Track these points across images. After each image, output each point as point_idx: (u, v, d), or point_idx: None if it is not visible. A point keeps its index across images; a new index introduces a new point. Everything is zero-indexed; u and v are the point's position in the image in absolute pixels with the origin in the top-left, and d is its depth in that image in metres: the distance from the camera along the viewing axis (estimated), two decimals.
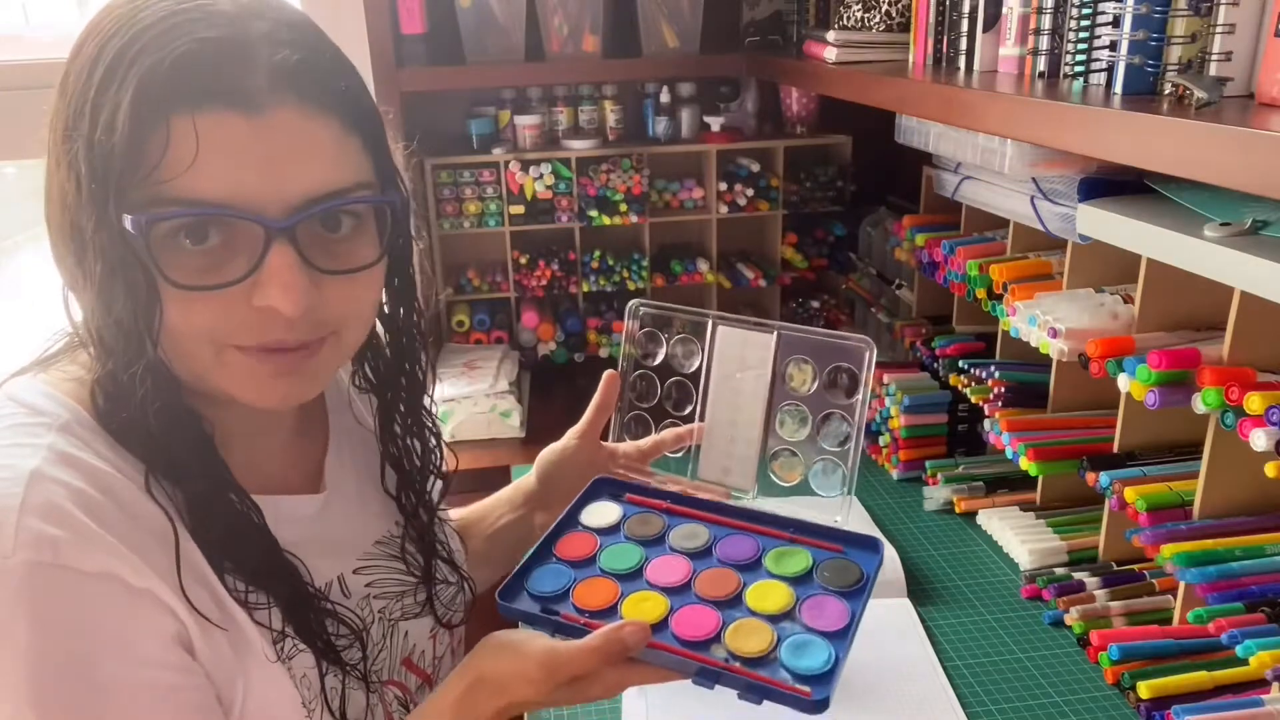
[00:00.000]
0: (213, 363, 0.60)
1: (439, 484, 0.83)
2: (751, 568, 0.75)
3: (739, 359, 0.83)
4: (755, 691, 0.64)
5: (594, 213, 1.60)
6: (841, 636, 0.69)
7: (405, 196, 0.67)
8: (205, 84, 0.54)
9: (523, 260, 1.63)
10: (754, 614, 0.71)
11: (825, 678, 0.65)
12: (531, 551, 0.77)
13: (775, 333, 0.82)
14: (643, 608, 0.70)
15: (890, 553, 1.07)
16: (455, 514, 0.93)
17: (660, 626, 0.69)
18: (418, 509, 0.78)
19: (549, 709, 0.69)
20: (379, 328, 0.74)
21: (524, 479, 0.93)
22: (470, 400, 1.46)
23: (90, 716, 0.55)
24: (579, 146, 1.59)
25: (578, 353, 1.67)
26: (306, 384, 0.64)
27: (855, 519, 1.17)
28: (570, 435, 0.89)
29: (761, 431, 0.82)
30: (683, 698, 0.89)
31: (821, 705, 0.63)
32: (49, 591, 0.54)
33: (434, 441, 0.81)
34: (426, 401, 0.79)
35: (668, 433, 0.87)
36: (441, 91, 1.60)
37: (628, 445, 0.89)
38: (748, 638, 0.68)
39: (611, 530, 0.79)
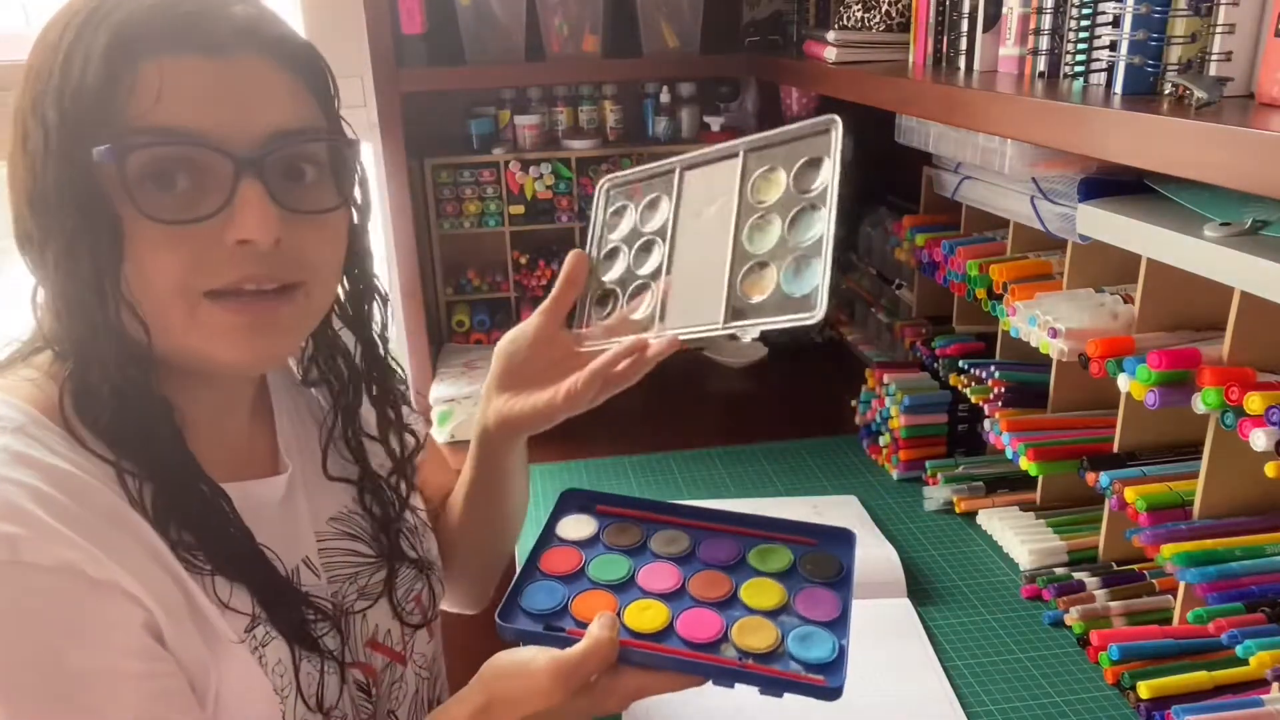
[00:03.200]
0: (187, 320, 0.60)
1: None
2: (738, 568, 0.76)
3: (706, 196, 0.77)
4: (776, 686, 0.66)
5: None
6: (840, 625, 0.71)
7: (357, 148, 0.68)
8: (172, 32, 0.57)
9: (523, 260, 1.63)
10: (753, 611, 0.72)
11: (835, 665, 0.67)
12: (519, 572, 0.76)
13: (740, 154, 0.76)
14: (645, 616, 0.71)
15: (890, 552, 1.07)
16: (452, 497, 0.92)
17: (666, 633, 0.70)
18: (382, 493, 0.78)
19: None
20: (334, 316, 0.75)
21: (488, 375, 0.84)
22: (470, 400, 1.46)
23: (62, 708, 0.55)
24: (579, 146, 1.59)
25: None
26: (280, 340, 0.65)
27: (855, 518, 1.18)
28: (534, 315, 0.81)
29: (729, 256, 0.73)
30: (683, 701, 0.89)
31: (838, 692, 0.65)
32: (9, 590, 0.54)
33: (407, 422, 0.81)
34: (395, 383, 0.80)
35: (633, 302, 0.78)
36: (441, 91, 1.60)
37: (594, 328, 0.80)
38: (754, 634, 0.69)
39: (591, 542, 0.79)
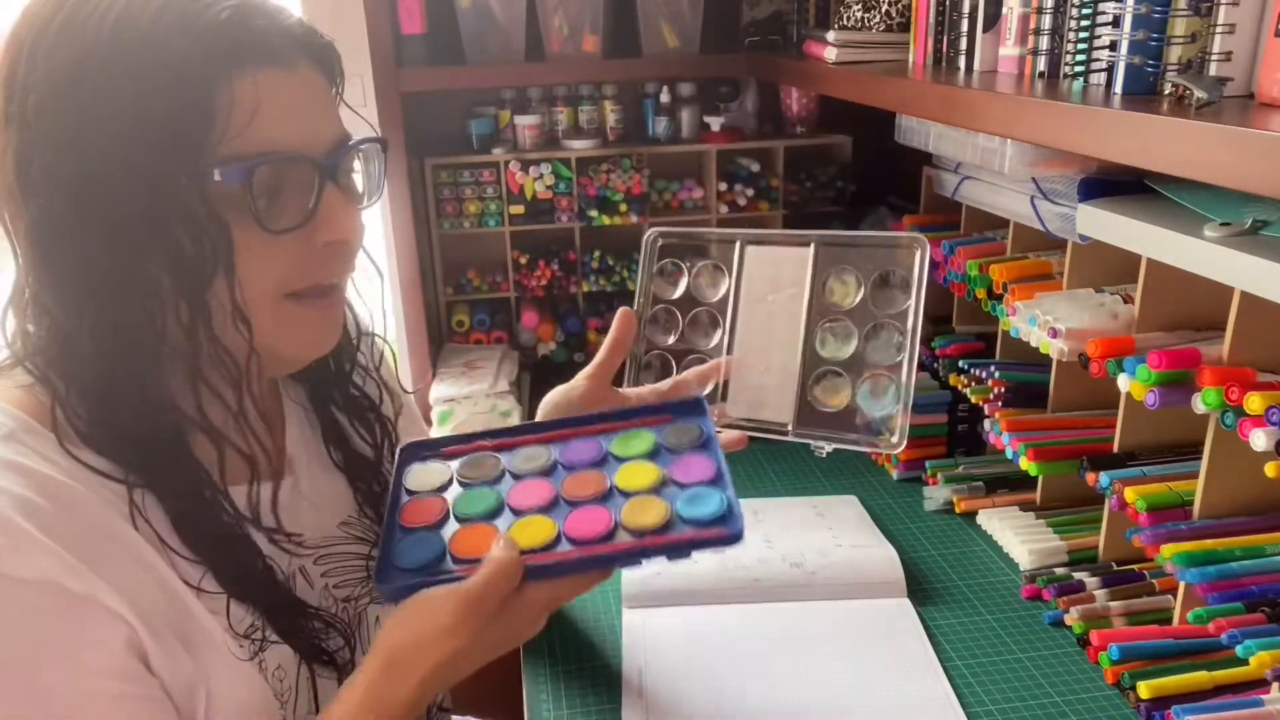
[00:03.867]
0: (270, 321, 0.62)
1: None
2: (604, 463, 0.75)
3: (771, 280, 0.76)
4: (681, 549, 0.67)
5: (594, 213, 1.60)
6: (720, 480, 0.70)
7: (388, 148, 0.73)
8: (252, 46, 0.59)
9: (523, 260, 1.63)
10: (634, 494, 0.71)
11: (728, 515, 0.67)
12: (381, 535, 0.71)
13: (812, 245, 0.75)
14: (529, 531, 0.68)
15: (890, 552, 1.07)
16: None
17: (557, 541, 0.67)
18: (371, 484, 0.78)
19: (479, 661, 0.64)
20: None
21: None
22: (470, 400, 1.46)
23: None
24: (579, 146, 1.59)
25: (578, 353, 1.67)
26: (339, 328, 0.69)
27: (855, 518, 1.18)
28: (580, 377, 0.83)
29: (800, 356, 0.74)
30: (683, 701, 0.89)
31: (738, 536, 0.66)
32: None
33: (375, 414, 0.81)
34: (357, 374, 0.80)
35: (690, 372, 0.80)
36: (441, 91, 1.59)
37: (643, 389, 0.82)
38: (643, 513, 0.69)
39: (447, 486, 0.75)
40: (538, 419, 0.84)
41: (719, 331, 0.76)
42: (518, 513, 0.71)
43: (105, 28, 0.56)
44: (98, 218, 0.57)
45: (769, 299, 0.74)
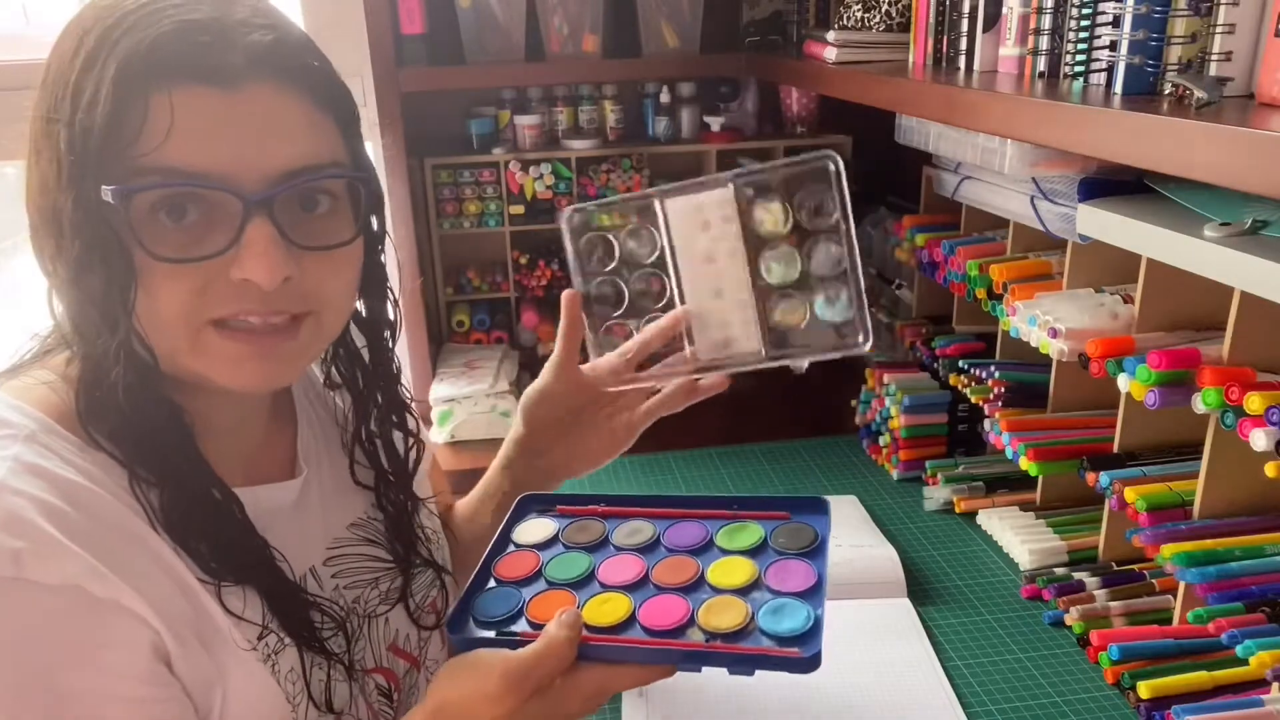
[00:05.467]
0: (188, 346, 0.59)
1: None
2: (704, 550, 0.73)
3: (701, 225, 0.77)
4: (745, 663, 0.63)
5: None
6: (815, 594, 0.67)
7: (375, 178, 0.67)
8: (183, 61, 0.55)
9: (523, 260, 1.63)
10: (721, 591, 0.69)
11: (810, 635, 0.64)
12: (471, 580, 0.72)
13: (729, 184, 0.76)
14: (604, 609, 0.67)
15: (890, 552, 1.07)
16: (460, 502, 0.92)
17: (628, 624, 0.66)
18: (397, 497, 0.78)
19: None
20: (352, 324, 0.74)
21: (512, 431, 0.88)
22: (470, 400, 1.46)
23: None
24: (579, 146, 1.59)
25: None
26: (285, 367, 0.64)
27: (855, 518, 1.18)
28: (547, 369, 0.84)
29: (751, 288, 0.76)
30: (683, 702, 0.89)
31: (813, 662, 0.62)
32: (10, 606, 0.53)
33: (411, 429, 0.80)
34: (402, 392, 0.79)
35: (649, 328, 0.81)
36: (441, 91, 1.59)
37: (608, 358, 0.83)
38: (721, 614, 0.66)
39: (549, 544, 0.76)
40: (517, 423, 0.85)
41: (666, 288, 0.79)
42: (604, 586, 0.70)
43: (73, 34, 0.57)
44: (52, 223, 0.57)
45: (704, 243, 0.77)
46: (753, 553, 0.72)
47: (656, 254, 0.79)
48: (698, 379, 0.77)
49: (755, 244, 0.76)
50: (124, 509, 0.59)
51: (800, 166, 0.74)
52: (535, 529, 0.78)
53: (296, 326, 0.62)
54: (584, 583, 0.71)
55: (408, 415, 0.81)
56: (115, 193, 0.55)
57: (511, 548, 0.76)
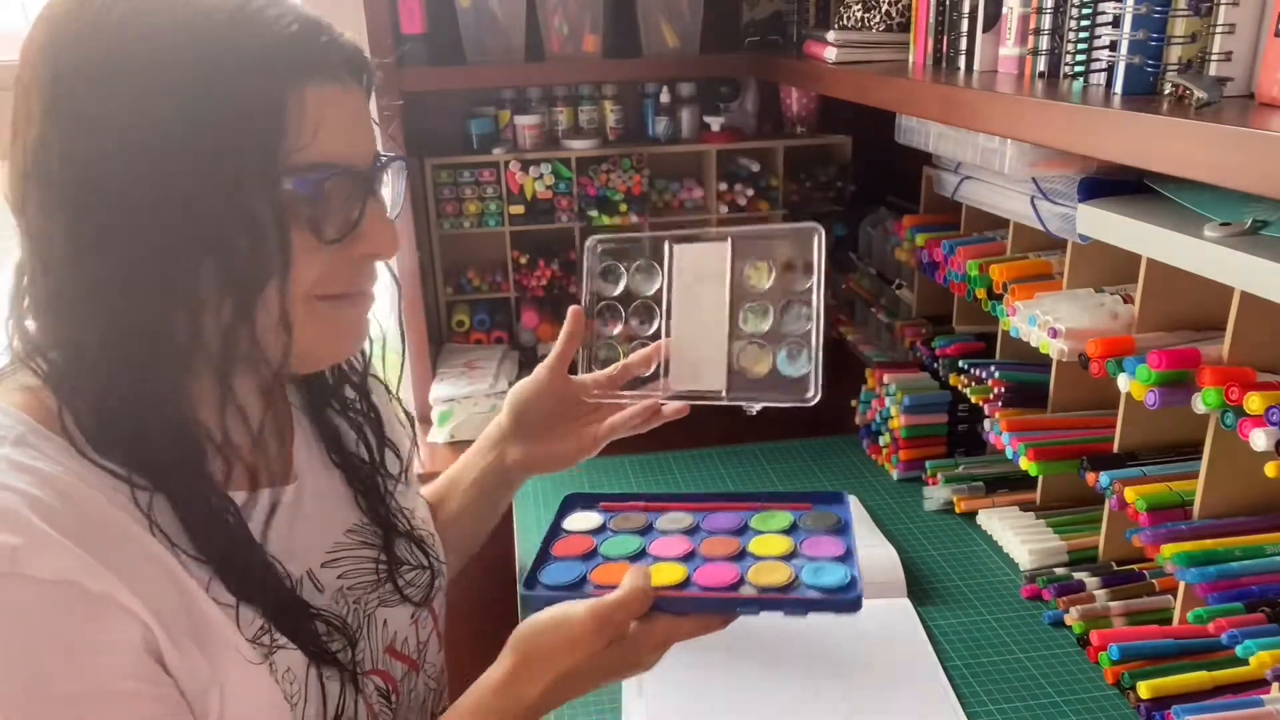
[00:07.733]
0: (305, 320, 0.63)
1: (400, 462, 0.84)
2: (742, 532, 0.82)
3: (696, 271, 0.87)
4: (800, 607, 0.72)
5: (594, 213, 1.60)
6: (848, 559, 0.76)
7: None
8: (315, 60, 0.61)
9: (523, 260, 1.63)
10: (764, 559, 0.77)
11: (851, 585, 0.73)
12: (534, 559, 0.79)
13: (729, 239, 0.86)
14: (663, 574, 0.75)
15: (890, 552, 1.07)
16: (431, 485, 0.94)
17: (686, 585, 0.74)
18: (370, 489, 0.78)
19: (598, 681, 0.69)
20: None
21: (494, 421, 0.94)
22: (470, 400, 1.46)
23: None
24: (579, 146, 1.59)
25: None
26: (363, 334, 0.71)
27: (856, 519, 1.17)
28: (540, 368, 0.90)
29: (727, 333, 0.85)
30: (681, 697, 0.89)
31: (857, 603, 0.71)
32: (6, 601, 0.53)
33: (390, 436, 0.82)
34: (379, 389, 0.83)
35: (634, 355, 0.89)
36: (441, 91, 1.59)
37: (596, 374, 0.90)
38: (769, 574, 0.74)
39: (599, 531, 0.84)
40: (505, 413, 0.91)
41: (656, 319, 0.88)
42: (658, 558, 0.78)
43: (170, 24, 0.56)
44: (148, 220, 0.56)
45: (696, 288, 0.87)
46: (786, 532, 0.81)
47: (656, 288, 0.88)
48: (663, 404, 0.86)
49: (739, 295, 0.85)
50: (116, 509, 0.58)
51: (790, 234, 0.84)
52: (583, 520, 0.85)
53: (372, 295, 0.70)
54: (639, 557, 0.79)
55: (400, 418, 0.85)
56: (301, 183, 0.60)
57: (564, 535, 0.83)
